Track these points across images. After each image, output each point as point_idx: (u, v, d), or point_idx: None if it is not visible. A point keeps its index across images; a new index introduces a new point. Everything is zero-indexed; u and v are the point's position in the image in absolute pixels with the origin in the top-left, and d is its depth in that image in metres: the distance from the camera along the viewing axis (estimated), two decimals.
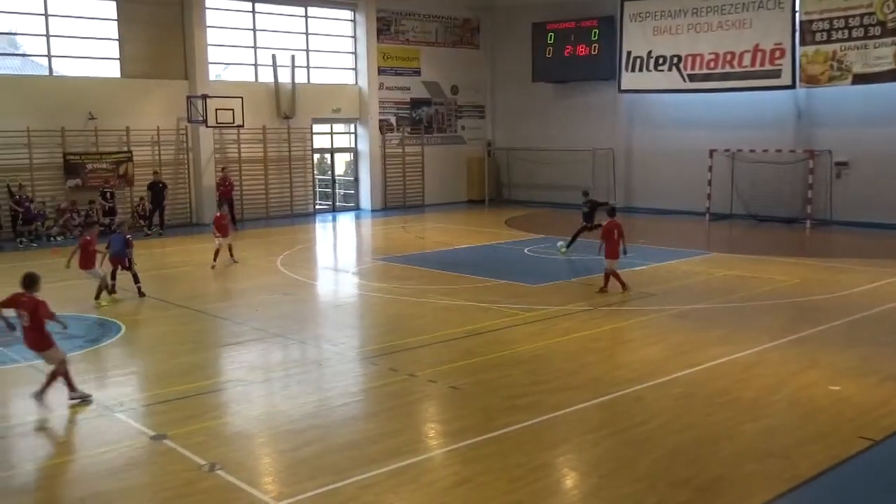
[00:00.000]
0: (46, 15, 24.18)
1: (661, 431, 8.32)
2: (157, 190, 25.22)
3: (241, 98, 26.31)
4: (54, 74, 24.86)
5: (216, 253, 18.63)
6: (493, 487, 7.02)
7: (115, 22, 25.32)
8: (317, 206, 30.94)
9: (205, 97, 25.89)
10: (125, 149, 25.47)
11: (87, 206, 24.35)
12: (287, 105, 28.93)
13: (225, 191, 26.17)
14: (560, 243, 20.00)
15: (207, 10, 26.89)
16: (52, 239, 22.99)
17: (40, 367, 10.97)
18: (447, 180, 33.54)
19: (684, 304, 14.23)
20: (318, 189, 31.84)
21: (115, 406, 9.17)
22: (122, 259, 15.32)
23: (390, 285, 16.24)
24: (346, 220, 29.46)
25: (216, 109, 25.81)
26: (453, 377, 10.12)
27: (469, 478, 7.23)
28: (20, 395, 10.00)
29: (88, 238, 14.84)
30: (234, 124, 26.31)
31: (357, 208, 31.83)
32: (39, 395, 9.09)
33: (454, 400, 9.44)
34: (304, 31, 29.82)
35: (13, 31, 24.76)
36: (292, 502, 6.75)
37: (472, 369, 10.53)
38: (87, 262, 14.63)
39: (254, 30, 28.51)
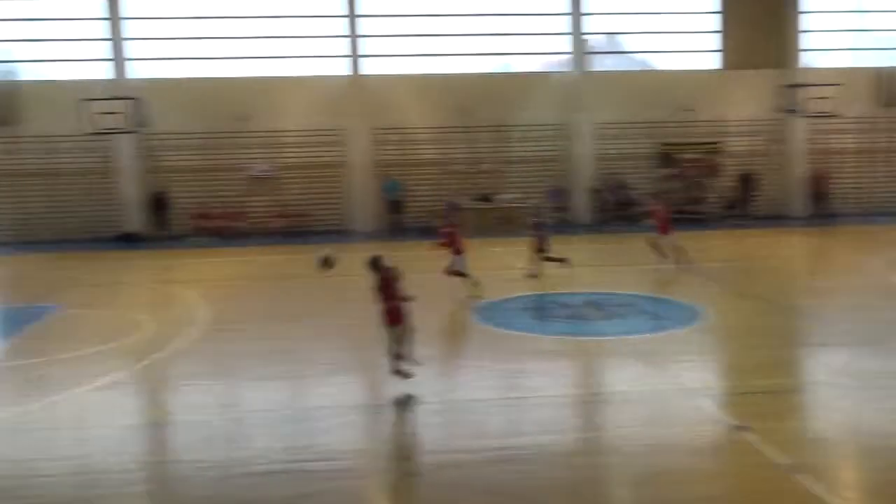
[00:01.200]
0: (642, 14, 25.95)
1: None
2: (746, 180, 25.32)
3: (840, 85, 24.75)
4: (650, 69, 26.59)
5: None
6: None
7: (719, 14, 25.95)
8: None
9: (799, 86, 25.03)
10: (716, 139, 26.00)
11: (676, 195, 25.60)
12: (891, 91, 26.44)
13: (819, 185, 25.08)
14: None
15: None
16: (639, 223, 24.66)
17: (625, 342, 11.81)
18: None
19: None
20: None
21: (699, 390, 9.47)
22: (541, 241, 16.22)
23: None
24: None
25: (811, 98, 24.76)
26: None
27: None
28: (618, 366, 10.92)
29: (451, 227, 14.91)
30: (830, 113, 24.91)
31: None
32: (397, 367, 9.34)
33: None
34: None
35: (617, 31, 27.18)
36: None
37: None
38: (456, 248, 14.58)
39: (855, 11, 26.66)
